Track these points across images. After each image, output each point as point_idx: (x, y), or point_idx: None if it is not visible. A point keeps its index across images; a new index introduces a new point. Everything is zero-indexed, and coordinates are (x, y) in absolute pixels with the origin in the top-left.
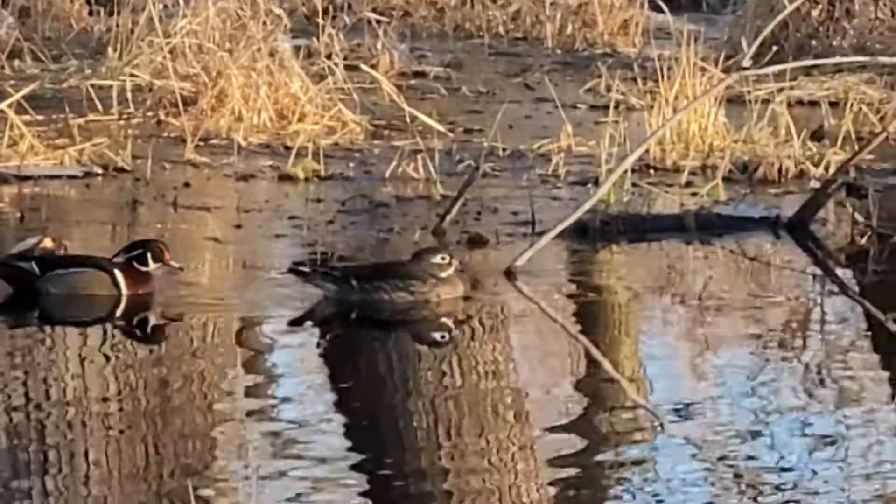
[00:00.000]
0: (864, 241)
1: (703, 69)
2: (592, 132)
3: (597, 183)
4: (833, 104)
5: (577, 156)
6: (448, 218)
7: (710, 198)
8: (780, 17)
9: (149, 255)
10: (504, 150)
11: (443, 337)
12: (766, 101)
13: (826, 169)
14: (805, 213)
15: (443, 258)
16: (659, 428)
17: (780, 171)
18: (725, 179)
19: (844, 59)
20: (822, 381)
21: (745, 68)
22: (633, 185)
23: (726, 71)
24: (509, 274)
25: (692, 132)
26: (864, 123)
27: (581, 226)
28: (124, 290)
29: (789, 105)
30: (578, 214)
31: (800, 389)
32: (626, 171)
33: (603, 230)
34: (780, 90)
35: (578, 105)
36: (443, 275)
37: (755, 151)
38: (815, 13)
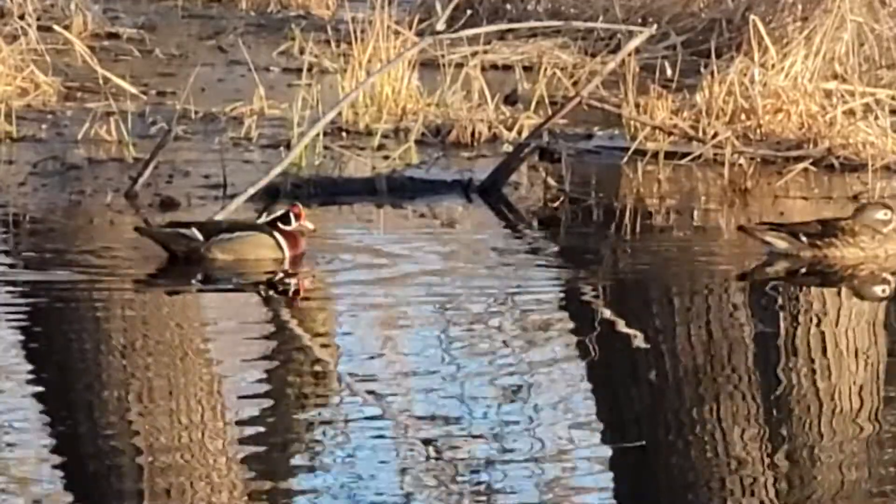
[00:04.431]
0: (556, 205)
1: (397, 32)
2: (285, 95)
3: (289, 146)
4: (527, 68)
5: (270, 119)
6: (140, 181)
7: (402, 161)
8: None
9: (291, 214)
10: (197, 112)
11: (884, 291)
12: (459, 65)
13: (519, 133)
14: (497, 177)
15: (885, 213)
16: (348, 391)
17: (473, 134)
18: (418, 143)
19: (538, 24)
20: (509, 338)
21: (438, 32)
22: (326, 147)
23: (420, 34)
24: None
25: (385, 95)
26: (557, 88)
27: (273, 189)
28: (287, 252)
29: (483, 69)
30: (270, 177)
31: (488, 348)
32: (318, 134)
33: (294, 193)
34: (474, 54)
35: (272, 68)
36: (885, 230)
37: (448, 115)
38: None
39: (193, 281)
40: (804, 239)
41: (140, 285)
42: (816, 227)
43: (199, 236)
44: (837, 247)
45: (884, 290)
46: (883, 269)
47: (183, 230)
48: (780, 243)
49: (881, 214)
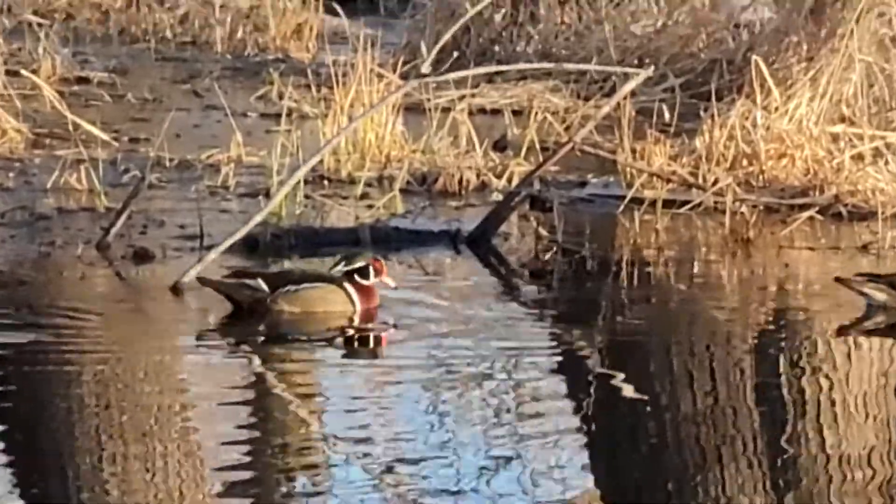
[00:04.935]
0: (548, 256)
1: (381, 75)
2: (264, 141)
3: (268, 195)
4: (516, 113)
5: (248, 166)
6: (113, 231)
7: (386, 210)
8: (461, 22)
9: (371, 269)
10: (171, 160)
11: None
12: (446, 110)
13: (509, 181)
14: (487, 227)
15: None
16: (333, 448)
17: (460, 182)
18: (403, 191)
19: (528, 66)
20: (501, 399)
21: (424, 75)
22: (307, 196)
23: (405, 77)
24: (176, 290)
25: (368, 142)
26: (548, 133)
27: (251, 240)
28: (359, 305)
29: (471, 113)
30: (248, 228)
31: (481, 412)
32: (298, 183)
33: (274, 244)
34: (462, 98)
35: (249, 113)
36: None
37: (435, 162)
38: (498, 17)
39: (167, 341)
40: None
41: (114, 344)
42: None
43: (265, 287)
44: None
45: None
46: None
47: (247, 280)
48: (879, 295)
49: None
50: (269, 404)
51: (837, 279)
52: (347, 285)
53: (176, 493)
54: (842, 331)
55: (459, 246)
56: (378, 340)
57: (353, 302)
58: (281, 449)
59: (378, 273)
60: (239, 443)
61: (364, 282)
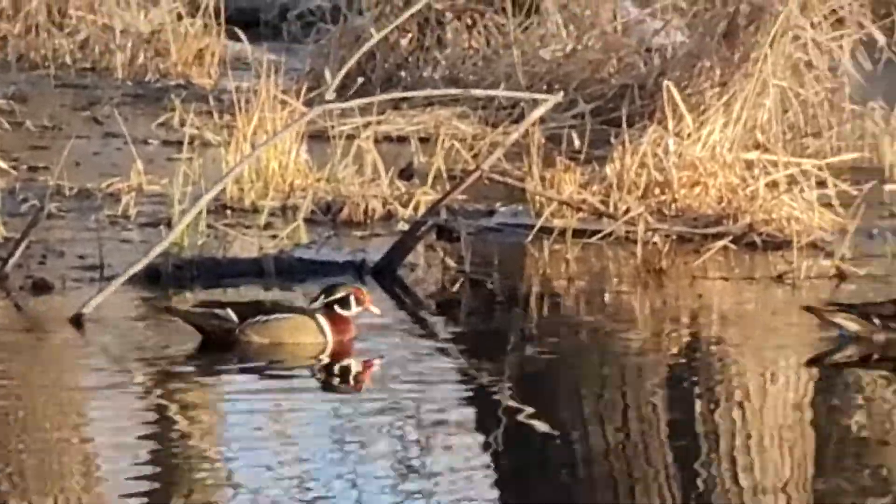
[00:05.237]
0: (455, 288)
1: (284, 102)
2: (165, 170)
3: (169, 224)
4: (423, 140)
5: (149, 195)
6: (11, 262)
7: (290, 240)
8: (366, 47)
9: (352, 298)
10: (71, 189)
11: None
12: (351, 137)
13: (415, 210)
14: (393, 258)
15: None
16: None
17: (366, 211)
18: (307, 221)
19: (435, 92)
20: (408, 435)
21: (328, 101)
22: (209, 226)
23: (308, 104)
24: (77, 322)
25: (272, 170)
26: (456, 161)
27: (153, 270)
28: (330, 337)
29: (376, 141)
30: (149, 258)
31: (385, 445)
32: (200, 212)
33: (176, 275)
34: (367, 125)
35: (150, 140)
36: None
37: (339, 191)
38: (404, 42)
39: (68, 375)
40: (877, 321)
41: (12, 379)
42: (891, 308)
43: (234, 317)
44: None
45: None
46: None
47: (217, 310)
48: (852, 326)
49: None
50: (174, 446)
51: (808, 308)
52: (319, 316)
53: None
54: (812, 362)
55: (365, 277)
56: (358, 379)
57: (324, 333)
58: (188, 496)
59: (360, 302)
60: (143, 494)
61: (344, 312)
